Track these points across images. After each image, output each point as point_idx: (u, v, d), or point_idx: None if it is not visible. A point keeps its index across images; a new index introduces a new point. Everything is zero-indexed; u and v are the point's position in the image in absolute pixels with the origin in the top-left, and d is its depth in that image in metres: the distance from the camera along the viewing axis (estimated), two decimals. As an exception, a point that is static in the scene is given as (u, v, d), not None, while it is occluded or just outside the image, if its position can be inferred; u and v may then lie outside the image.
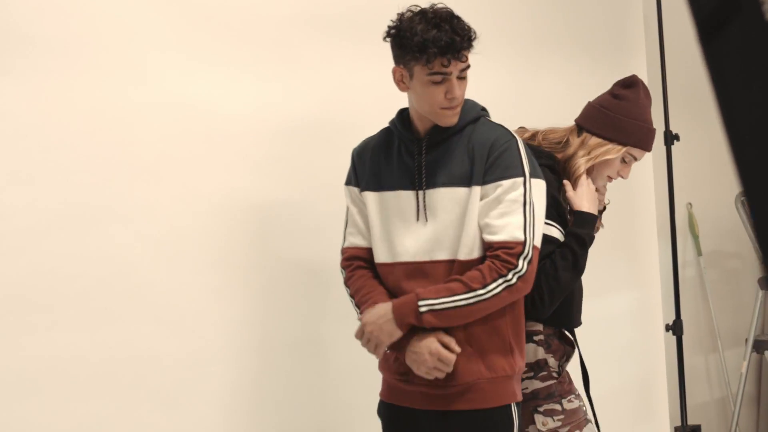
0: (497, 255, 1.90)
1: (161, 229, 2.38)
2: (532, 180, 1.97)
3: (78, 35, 2.28)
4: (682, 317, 3.56)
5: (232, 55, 2.53)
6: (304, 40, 2.67)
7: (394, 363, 2.06)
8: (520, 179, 1.95)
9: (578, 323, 2.20)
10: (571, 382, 2.17)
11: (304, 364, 2.62)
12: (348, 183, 2.16)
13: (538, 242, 1.94)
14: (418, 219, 2.01)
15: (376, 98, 2.76)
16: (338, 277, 2.19)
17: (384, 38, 1.98)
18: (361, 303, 2.05)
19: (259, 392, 2.53)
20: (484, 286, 1.89)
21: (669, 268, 3.63)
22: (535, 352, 2.11)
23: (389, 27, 1.96)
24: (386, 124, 2.18)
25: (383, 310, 1.96)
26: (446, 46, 1.86)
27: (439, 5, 1.95)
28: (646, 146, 2.21)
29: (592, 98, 2.28)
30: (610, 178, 2.24)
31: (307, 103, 2.66)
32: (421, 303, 1.91)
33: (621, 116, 2.17)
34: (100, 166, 2.29)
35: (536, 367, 2.10)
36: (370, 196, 2.08)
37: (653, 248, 3.66)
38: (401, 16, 1.94)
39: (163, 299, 2.38)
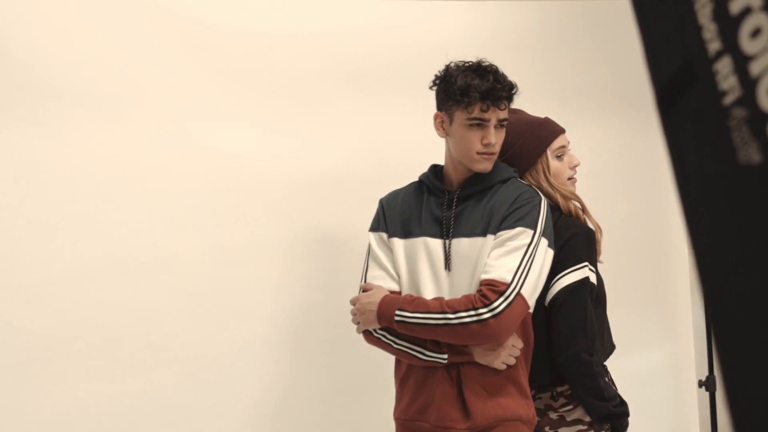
0: (480, 290, 1.95)
1: (187, 280, 2.40)
2: (542, 239, 2.00)
3: (107, 88, 2.34)
4: (714, 372, 3.49)
5: (261, 109, 2.58)
6: (332, 94, 2.71)
7: (413, 402, 2.05)
8: (530, 231, 1.98)
9: (613, 348, 2.23)
10: None
11: (328, 424, 2.59)
12: (375, 229, 2.18)
13: (527, 293, 1.95)
14: (445, 268, 2.05)
15: (401, 152, 2.78)
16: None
17: (430, 87, 2.09)
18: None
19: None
20: (455, 312, 1.94)
21: (702, 322, 3.57)
22: None
23: (436, 75, 2.07)
24: (409, 177, 2.23)
25: (375, 299, 2.04)
26: (486, 93, 1.98)
27: (484, 60, 2.04)
28: (554, 133, 2.23)
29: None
30: (573, 179, 2.26)
31: (334, 156, 2.69)
32: (398, 313, 1.99)
33: (516, 143, 2.19)
34: (127, 217, 2.33)
35: (596, 426, 2.10)
36: (398, 243, 2.11)
37: (686, 302, 3.61)
38: (448, 66, 2.05)
39: (188, 350, 2.39)
